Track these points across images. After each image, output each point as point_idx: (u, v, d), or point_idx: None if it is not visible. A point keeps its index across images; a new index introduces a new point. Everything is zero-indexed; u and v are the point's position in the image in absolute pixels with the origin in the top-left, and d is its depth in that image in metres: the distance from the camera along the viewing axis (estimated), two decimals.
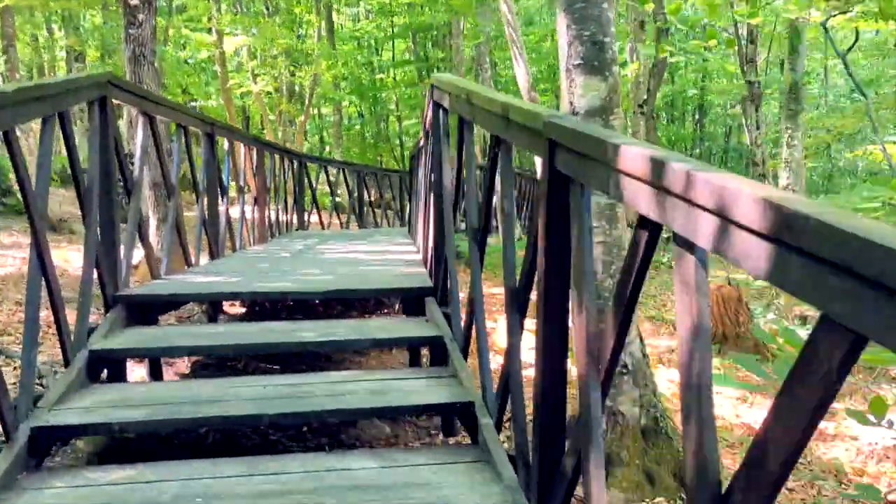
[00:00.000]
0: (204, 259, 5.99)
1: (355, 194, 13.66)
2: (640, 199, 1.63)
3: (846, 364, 1.04)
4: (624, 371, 3.78)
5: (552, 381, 2.18)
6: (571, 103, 3.71)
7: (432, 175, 4.53)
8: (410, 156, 10.61)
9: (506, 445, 2.81)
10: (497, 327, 6.24)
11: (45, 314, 3.46)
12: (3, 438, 2.63)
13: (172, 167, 5.42)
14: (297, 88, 21.41)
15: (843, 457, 4.70)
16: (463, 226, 8.30)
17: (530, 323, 2.55)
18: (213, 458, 2.75)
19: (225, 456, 2.86)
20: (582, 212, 1.97)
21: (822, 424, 5.24)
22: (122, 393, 3.14)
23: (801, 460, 4.59)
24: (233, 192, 9.26)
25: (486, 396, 2.95)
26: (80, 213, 3.76)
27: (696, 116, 29.65)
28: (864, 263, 0.96)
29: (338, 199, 14.34)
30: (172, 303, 4.48)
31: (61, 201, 10.71)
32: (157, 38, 8.29)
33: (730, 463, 4.27)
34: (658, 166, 1.52)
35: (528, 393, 2.63)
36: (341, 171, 13.78)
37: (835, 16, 5.64)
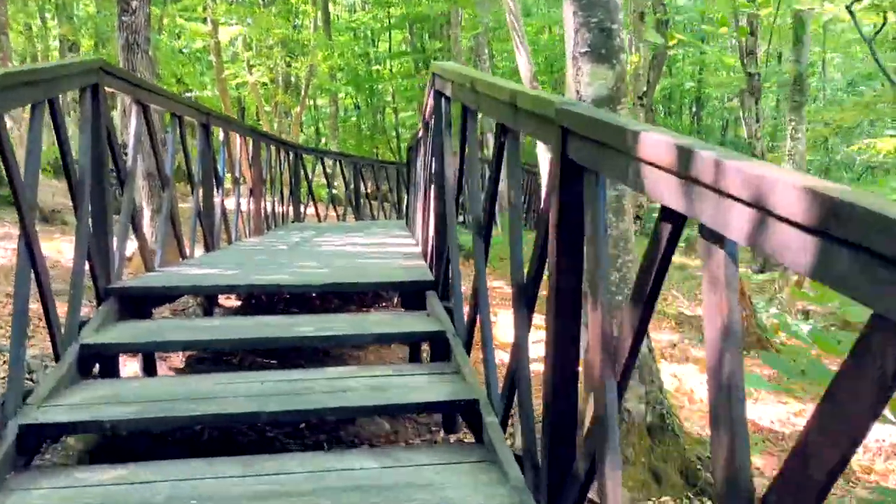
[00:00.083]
0: (199, 251, 5.90)
1: (352, 186, 13.54)
2: (663, 189, 1.53)
3: None
4: None
5: (563, 379, 2.09)
6: (578, 92, 3.60)
7: (433, 166, 4.43)
8: (408, 147, 10.51)
9: (508, 443, 2.73)
10: (497, 322, 6.15)
11: (37, 307, 3.36)
12: None
13: (167, 157, 5.31)
14: (292, 79, 21.25)
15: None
16: (462, 218, 8.22)
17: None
18: (209, 456, 2.65)
19: (221, 454, 2.77)
20: (597, 203, 1.88)
21: None
22: (115, 389, 3.05)
23: None
24: (228, 184, 9.15)
25: (491, 393, 2.86)
26: (72, 204, 3.66)
27: (694, 109, 29.57)
28: None
29: (334, 191, 14.23)
30: (167, 296, 4.38)
31: (54, 192, 10.57)
32: (152, 27, 8.16)
33: None
34: (684, 154, 1.43)
35: (533, 390, 2.55)
36: (338, 162, 13.66)
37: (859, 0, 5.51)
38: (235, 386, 3.02)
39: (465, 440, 3.64)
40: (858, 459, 4.55)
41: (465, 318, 3.44)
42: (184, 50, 20.19)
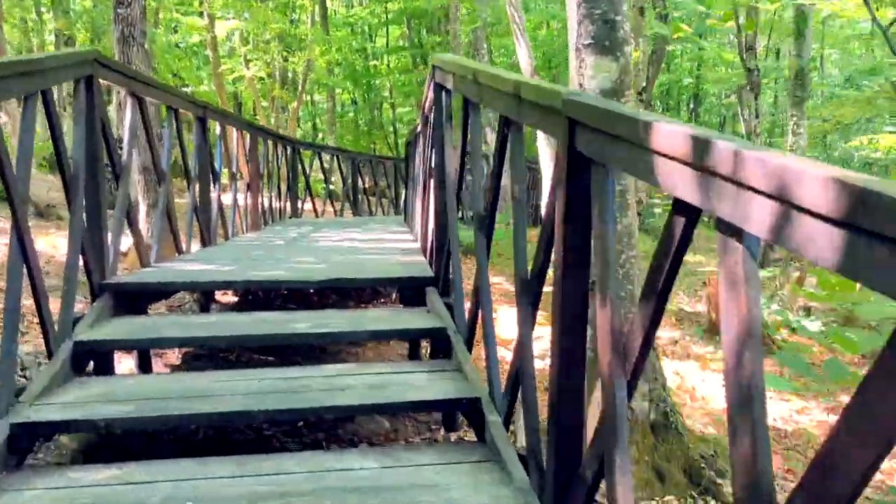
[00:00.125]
0: (195, 246, 5.83)
1: (349, 181, 13.47)
2: (677, 181, 1.48)
3: None
4: None
5: (569, 377, 2.04)
6: (581, 85, 3.54)
7: (433, 160, 4.36)
8: (406, 142, 10.45)
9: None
10: (498, 318, 6.10)
11: (31, 303, 3.29)
12: None
13: (163, 151, 5.24)
14: (290, 74, 21.16)
15: None
16: (460, 214, 8.16)
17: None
18: (205, 455, 2.59)
19: (217, 452, 2.71)
20: (606, 196, 1.82)
21: (828, 418, 5.15)
22: (109, 386, 2.98)
23: (812, 456, 4.47)
24: (225, 179, 9.09)
25: (494, 392, 2.80)
26: (66, 198, 3.59)
27: (691, 105, 29.50)
28: None
29: (332, 186, 14.15)
30: (162, 291, 4.32)
31: (50, 187, 10.50)
32: (148, 20, 8.08)
33: None
34: (701, 145, 1.37)
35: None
36: (335, 157, 13.59)
37: None
38: (232, 384, 2.96)
39: (466, 438, 3.59)
40: None
41: (466, 314, 3.38)
42: (180, 44, 20.07)
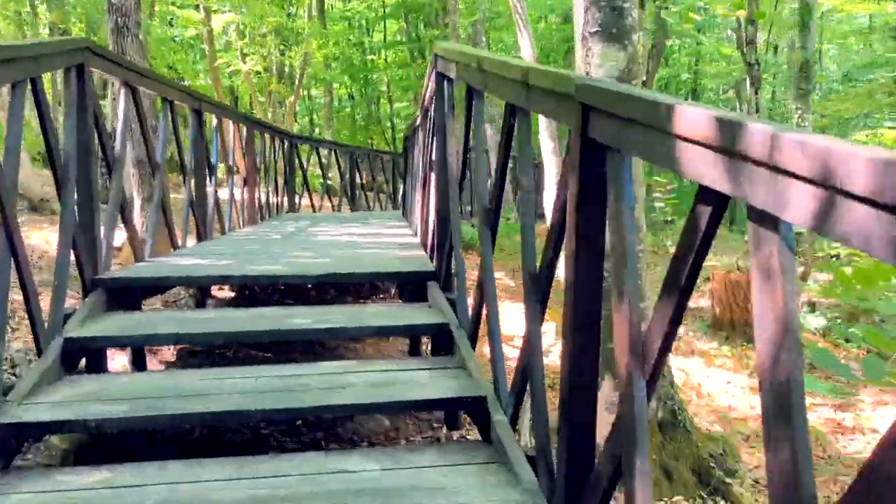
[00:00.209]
0: (191, 241, 5.73)
1: (347, 176, 13.35)
2: (703, 167, 1.38)
3: None
4: None
5: (581, 376, 1.94)
6: (587, 74, 3.44)
7: (434, 152, 4.26)
8: (404, 136, 10.34)
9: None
10: (501, 314, 6.01)
11: (21, 298, 3.19)
12: None
13: (158, 144, 5.13)
14: (287, 68, 21.00)
15: (865, 451, 4.51)
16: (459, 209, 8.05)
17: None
18: (201, 456, 2.49)
19: (213, 451, 2.62)
20: (622, 185, 1.73)
21: (840, 416, 5.08)
22: (101, 385, 2.89)
23: (821, 455, 4.39)
24: (221, 173, 8.98)
25: (499, 390, 2.71)
26: (56, 191, 3.49)
27: (689, 101, 29.43)
28: None
29: (329, 181, 14.03)
30: (157, 287, 4.22)
31: (44, 182, 10.39)
32: (143, 13, 7.96)
33: (747, 458, 4.06)
34: (730, 128, 1.27)
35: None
36: (333, 152, 13.47)
37: None
38: (228, 382, 2.86)
39: (469, 437, 3.50)
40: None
41: (470, 309, 3.28)
42: (176, 38, 19.91)
